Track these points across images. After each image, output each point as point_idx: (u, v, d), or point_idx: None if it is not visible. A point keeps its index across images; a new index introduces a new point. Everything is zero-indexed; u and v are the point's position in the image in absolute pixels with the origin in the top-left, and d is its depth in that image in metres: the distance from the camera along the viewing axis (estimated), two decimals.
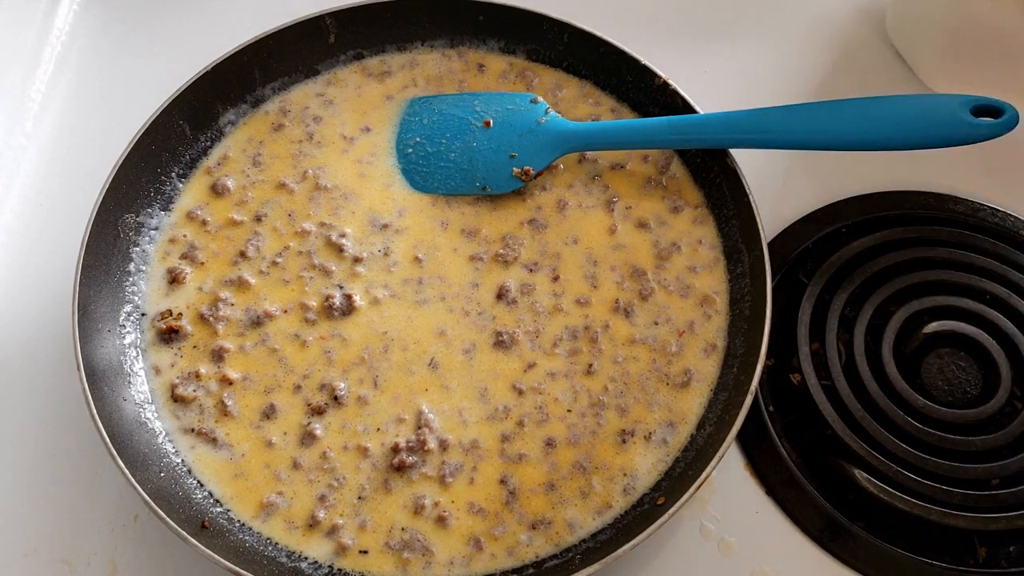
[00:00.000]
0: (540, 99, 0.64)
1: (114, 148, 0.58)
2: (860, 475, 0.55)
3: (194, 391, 0.55)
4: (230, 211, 0.61)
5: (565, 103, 0.66)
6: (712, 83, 0.72)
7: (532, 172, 0.62)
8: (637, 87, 0.64)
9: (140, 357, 0.57)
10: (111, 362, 0.55)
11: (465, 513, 0.52)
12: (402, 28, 0.67)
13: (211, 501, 0.52)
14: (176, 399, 0.55)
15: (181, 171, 0.62)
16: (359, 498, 0.52)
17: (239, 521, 0.52)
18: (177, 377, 0.56)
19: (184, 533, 0.47)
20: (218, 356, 0.56)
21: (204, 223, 0.61)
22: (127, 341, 0.56)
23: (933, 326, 0.59)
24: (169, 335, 0.57)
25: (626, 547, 0.47)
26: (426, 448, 0.53)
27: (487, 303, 0.58)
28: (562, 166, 0.63)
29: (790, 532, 0.55)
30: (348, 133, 0.65)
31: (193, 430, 0.54)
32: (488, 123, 0.64)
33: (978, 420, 0.56)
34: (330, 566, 0.51)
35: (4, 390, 0.60)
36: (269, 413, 0.55)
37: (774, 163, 0.67)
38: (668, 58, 0.64)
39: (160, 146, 0.61)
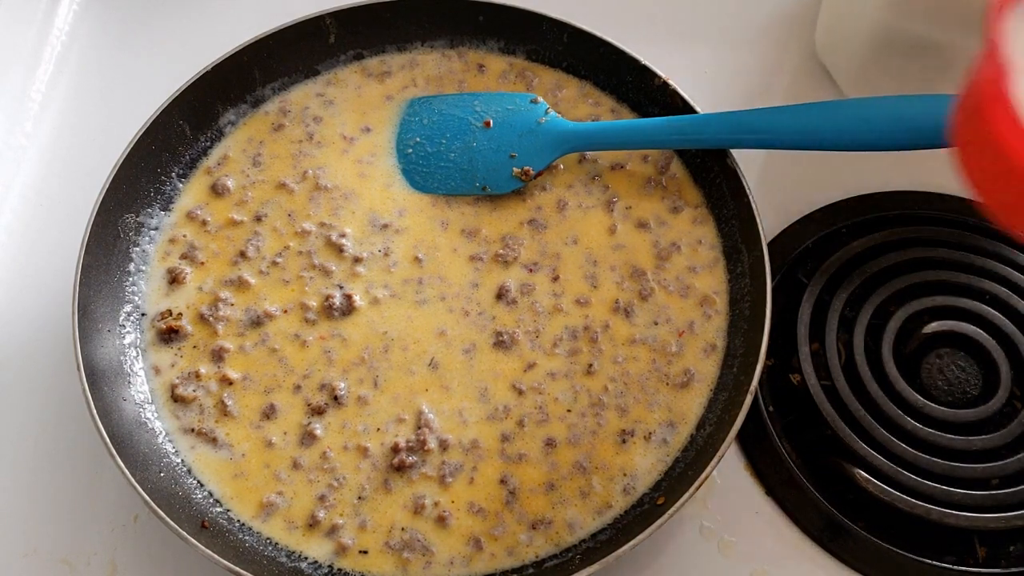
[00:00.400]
0: (540, 99, 0.64)
1: (114, 148, 0.58)
2: (860, 475, 0.55)
3: (194, 391, 0.55)
4: (230, 211, 0.61)
5: (565, 103, 0.66)
6: (712, 83, 0.72)
7: (532, 172, 0.62)
8: (637, 87, 0.64)
9: (140, 357, 0.57)
10: (111, 362, 0.55)
11: (465, 513, 0.52)
12: (402, 28, 0.67)
13: (211, 501, 0.52)
14: (176, 399, 0.55)
15: (181, 171, 0.62)
16: (359, 498, 0.52)
17: (239, 521, 0.52)
18: (177, 377, 0.56)
19: (184, 533, 0.47)
20: (218, 356, 0.56)
21: (204, 223, 0.61)
22: (127, 341, 0.57)
23: (933, 326, 0.59)
24: (169, 335, 0.57)
25: (626, 547, 0.47)
26: (426, 448, 0.53)
27: (487, 303, 0.58)
28: (562, 166, 0.63)
29: (790, 532, 0.55)
30: (348, 133, 0.65)
31: (193, 430, 0.54)
32: (488, 123, 0.64)
33: (978, 420, 0.56)
34: (330, 566, 0.51)
35: (4, 390, 0.60)
36: (269, 413, 0.55)
37: (774, 163, 0.67)
38: (668, 58, 0.64)
39: (160, 146, 0.61)
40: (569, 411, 0.55)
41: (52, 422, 0.58)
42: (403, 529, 0.51)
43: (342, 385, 0.55)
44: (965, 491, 0.54)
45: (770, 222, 0.59)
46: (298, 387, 0.55)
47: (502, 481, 0.53)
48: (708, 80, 0.72)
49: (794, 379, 0.58)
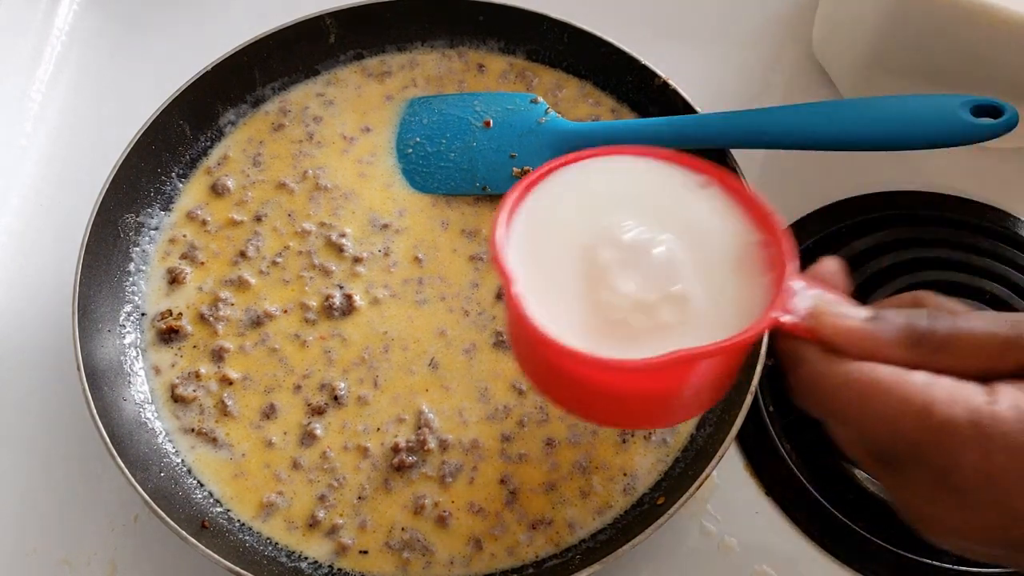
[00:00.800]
0: (540, 99, 0.64)
1: (114, 148, 0.58)
2: (860, 475, 0.55)
3: (194, 391, 0.55)
4: (230, 211, 0.61)
5: (565, 103, 0.66)
6: (712, 83, 0.72)
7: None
8: (637, 87, 0.64)
9: (140, 357, 0.56)
10: (111, 362, 0.55)
11: (465, 513, 0.52)
12: (402, 28, 0.67)
13: (211, 501, 0.52)
14: (176, 399, 0.55)
15: (181, 171, 0.62)
16: (359, 498, 0.52)
17: (239, 521, 0.52)
18: (177, 377, 0.56)
19: (184, 533, 0.47)
20: (218, 356, 0.56)
21: (204, 223, 0.61)
22: (127, 341, 0.56)
23: None
24: (169, 335, 0.57)
25: (626, 547, 0.47)
26: (426, 448, 0.53)
27: (487, 303, 0.58)
28: None
29: (790, 532, 0.55)
30: (348, 133, 0.65)
31: (193, 430, 0.54)
32: (488, 123, 0.64)
33: None
34: (330, 566, 0.51)
35: (4, 390, 0.60)
36: (269, 413, 0.55)
37: (774, 163, 0.67)
38: (668, 58, 0.64)
39: (160, 146, 0.61)
40: None
41: (52, 422, 0.58)
42: (403, 529, 0.51)
43: (342, 385, 0.55)
44: None
45: None
46: (298, 387, 0.55)
47: (502, 481, 0.53)
48: (708, 80, 0.72)
49: None
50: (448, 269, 0.59)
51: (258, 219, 0.61)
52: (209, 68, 0.62)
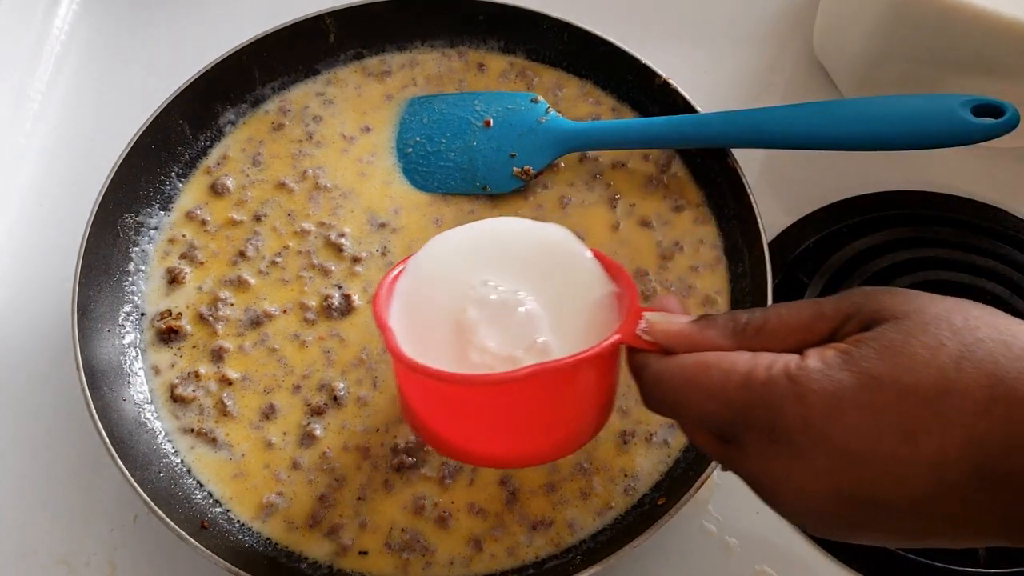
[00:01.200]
0: (540, 98, 0.64)
1: (114, 148, 0.58)
2: None
3: (193, 391, 0.55)
4: (230, 211, 0.61)
5: (566, 102, 0.66)
6: (712, 83, 0.72)
7: (532, 172, 0.61)
8: (637, 87, 0.64)
9: (140, 357, 0.56)
10: (111, 362, 0.55)
11: (465, 514, 0.52)
12: (402, 28, 0.67)
13: (211, 501, 0.52)
14: (175, 399, 0.55)
15: (181, 171, 0.62)
16: (359, 498, 0.52)
17: (239, 521, 0.52)
18: (177, 377, 0.56)
19: (184, 533, 0.47)
20: (218, 356, 0.56)
21: (204, 223, 0.61)
22: (127, 341, 0.56)
23: None
24: (168, 335, 0.57)
25: (627, 547, 0.47)
26: (425, 448, 0.53)
27: None
28: (563, 164, 0.63)
29: (790, 532, 0.55)
30: (348, 132, 0.65)
31: (193, 430, 0.54)
32: (488, 123, 0.64)
33: None
34: (330, 566, 0.51)
35: (3, 390, 0.60)
36: (269, 413, 0.55)
37: (774, 163, 0.67)
38: (668, 58, 0.64)
39: (160, 146, 0.61)
40: None
41: (51, 422, 0.58)
42: (403, 530, 0.51)
43: (341, 385, 0.55)
44: None
45: (770, 222, 0.59)
46: (297, 387, 0.55)
47: (502, 482, 0.52)
48: (708, 79, 0.72)
49: None
50: None
51: (257, 219, 0.61)
52: (209, 68, 0.62)
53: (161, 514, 0.48)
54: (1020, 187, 0.67)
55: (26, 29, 0.72)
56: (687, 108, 0.61)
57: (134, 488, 0.48)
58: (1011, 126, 0.52)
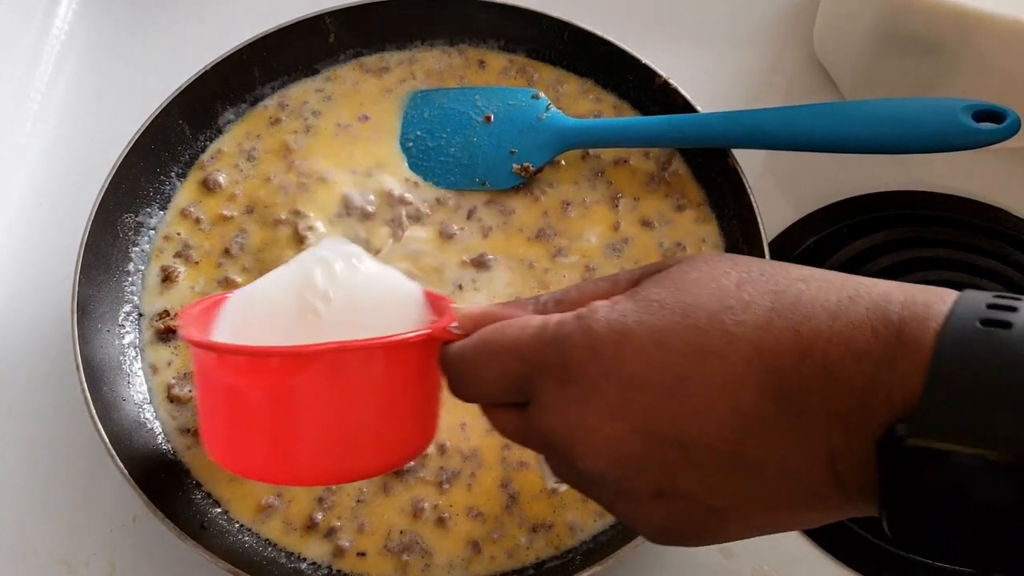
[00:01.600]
0: (541, 95, 0.64)
1: (114, 148, 0.58)
2: None
3: (190, 391, 0.55)
4: (221, 207, 0.61)
5: (567, 99, 0.65)
6: (712, 83, 0.72)
7: (531, 168, 0.61)
8: (637, 86, 0.64)
9: (139, 357, 0.56)
10: (110, 362, 0.55)
11: (464, 517, 0.52)
12: (402, 27, 0.67)
13: (210, 502, 0.52)
14: (172, 399, 0.55)
15: (180, 170, 0.62)
16: (357, 501, 0.52)
17: (238, 522, 0.52)
18: (173, 377, 0.56)
19: (183, 533, 0.47)
20: None
21: (197, 221, 0.61)
22: (126, 341, 0.56)
23: None
24: (167, 335, 0.57)
25: (627, 548, 0.47)
26: (424, 452, 0.53)
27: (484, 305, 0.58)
28: (564, 162, 0.63)
29: (790, 532, 0.55)
30: (344, 121, 0.64)
31: (189, 430, 0.54)
32: (488, 118, 0.63)
33: None
34: (328, 567, 0.51)
35: (3, 389, 0.60)
36: None
37: (774, 163, 0.67)
38: (668, 58, 0.64)
39: (159, 145, 0.61)
40: None
41: (51, 422, 0.58)
42: (402, 532, 0.51)
43: None
44: None
45: (771, 222, 0.59)
46: None
47: (502, 486, 0.52)
48: (709, 79, 0.72)
49: None
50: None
51: (248, 212, 0.61)
52: (209, 67, 0.62)
53: (160, 514, 0.48)
54: (1020, 187, 0.67)
55: (26, 29, 0.72)
56: (687, 108, 0.61)
57: (134, 488, 0.48)
58: (1011, 131, 0.52)
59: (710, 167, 0.61)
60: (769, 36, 0.76)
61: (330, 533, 0.51)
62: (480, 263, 0.59)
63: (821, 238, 0.64)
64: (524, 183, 0.62)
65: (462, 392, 0.39)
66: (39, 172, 0.68)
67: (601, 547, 0.50)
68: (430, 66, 0.67)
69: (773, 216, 0.64)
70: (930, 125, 0.53)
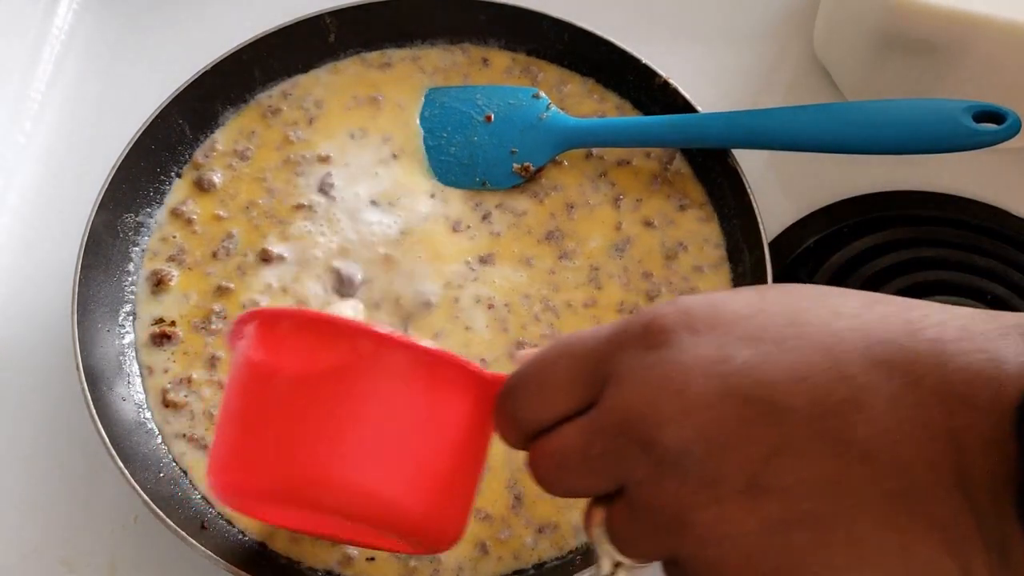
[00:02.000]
0: (542, 94, 0.64)
1: (114, 148, 0.58)
2: None
3: (185, 396, 0.55)
4: (215, 208, 0.61)
5: (571, 99, 0.65)
6: (712, 83, 0.72)
7: (532, 168, 0.61)
8: (638, 86, 0.64)
9: (137, 357, 0.56)
10: (110, 362, 0.55)
11: (472, 520, 0.51)
12: (402, 27, 0.67)
13: (210, 502, 0.52)
14: (167, 404, 0.55)
15: (180, 171, 0.62)
16: None
17: (242, 532, 0.51)
18: (169, 383, 0.55)
19: (184, 534, 0.47)
20: (211, 364, 0.56)
21: (190, 221, 0.60)
22: (126, 341, 0.56)
23: None
24: (161, 340, 0.56)
25: None
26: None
27: None
28: (567, 162, 0.63)
29: None
30: (350, 104, 0.64)
31: (185, 435, 0.54)
32: (489, 118, 0.63)
33: None
34: (328, 572, 0.50)
35: (3, 389, 0.60)
36: None
37: (775, 163, 0.67)
38: (668, 58, 0.64)
39: (159, 145, 0.60)
40: None
41: (51, 422, 0.58)
42: None
43: None
44: None
45: (771, 222, 0.59)
46: None
47: (508, 487, 0.52)
48: (709, 79, 0.72)
49: None
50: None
51: (245, 209, 0.61)
52: (209, 67, 0.62)
53: (161, 515, 0.48)
54: (1021, 188, 0.67)
55: (26, 29, 0.72)
56: (687, 108, 0.61)
57: (134, 488, 0.48)
58: (1012, 133, 0.52)
59: (711, 167, 0.61)
60: (769, 36, 0.76)
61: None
62: (485, 261, 0.59)
63: (821, 238, 0.64)
64: (525, 183, 0.62)
65: (523, 406, 0.34)
66: (39, 172, 0.68)
67: None
68: (435, 63, 0.67)
69: (773, 216, 0.64)
70: (931, 126, 0.53)
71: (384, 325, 0.37)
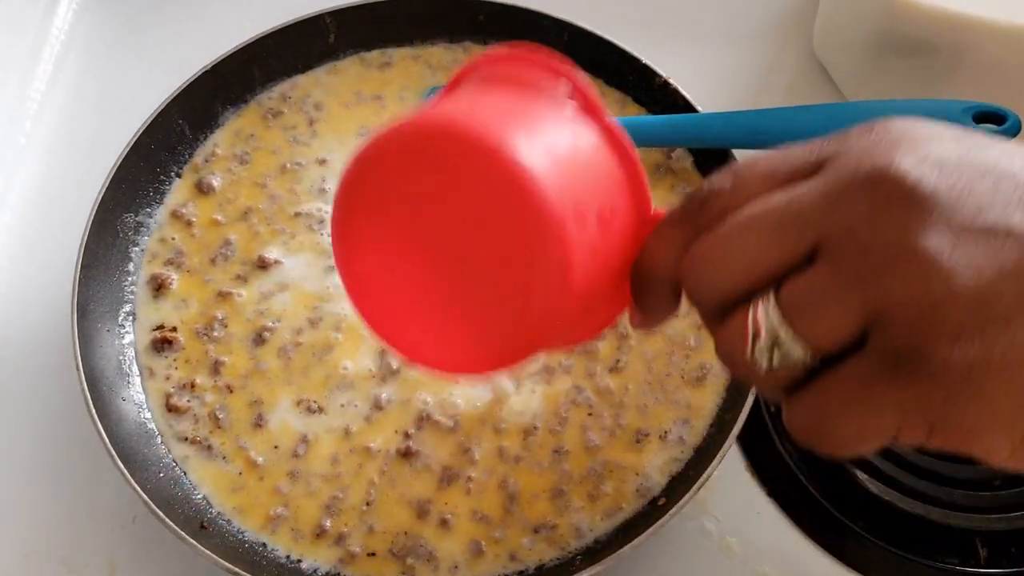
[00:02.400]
0: None
1: (113, 148, 0.58)
2: (861, 475, 0.55)
3: (188, 401, 0.55)
4: (214, 212, 0.61)
5: None
6: (712, 83, 0.72)
7: None
8: (638, 86, 0.64)
9: (137, 359, 0.56)
10: (110, 362, 0.55)
11: (468, 521, 0.51)
12: (402, 27, 0.67)
13: (210, 502, 0.52)
14: (170, 409, 0.54)
15: (180, 171, 0.62)
16: (366, 504, 0.52)
17: (242, 531, 0.51)
18: (172, 388, 0.55)
19: (183, 534, 0.47)
20: (214, 370, 0.56)
21: (189, 223, 0.60)
22: (126, 341, 0.56)
23: None
24: (163, 345, 0.56)
25: (627, 548, 0.47)
26: (422, 462, 0.53)
27: None
28: None
29: (791, 533, 0.55)
30: (348, 101, 0.64)
31: (187, 439, 0.54)
32: None
33: None
34: (327, 573, 0.50)
35: (2, 390, 0.60)
36: (265, 423, 0.54)
37: None
38: (668, 57, 0.64)
39: (159, 145, 0.60)
40: (590, 415, 0.54)
41: (51, 422, 0.58)
42: (406, 534, 0.51)
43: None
44: (966, 492, 0.54)
45: None
46: (297, 400, 0.55)
47: (501, 485, 0.52)
48: (708, 79, 0.72)
49: None
50: None
51: (244, 215, 0.61)
52: (209, 67, 0.62)
53: (160, 515, 0.48)
54: None
55: (26, 29, 0.72)
56: (687, 108, 0.61)
57: (134, 488, 0.48)
58: (1012, 133, 0.52)
59: (711, 166, 0.61)
60: (769, 36, 0.76)
61: (339, 539, 0.51)
62: None
63: None
64: None
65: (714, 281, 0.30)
66: (39, 172, 0.68)
67: (601, 547, 0.50)
68: (437, 60, 0.67)
69: None
70: None
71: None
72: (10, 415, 0.59)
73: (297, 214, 0.60)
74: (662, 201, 0.60)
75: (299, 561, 0.51)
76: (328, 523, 0.51)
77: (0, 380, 0.60)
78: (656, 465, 0.53)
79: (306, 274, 0.58)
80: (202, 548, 0.47)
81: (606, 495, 0.52)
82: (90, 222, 0.56)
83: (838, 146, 0.30)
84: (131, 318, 0.57)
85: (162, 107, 0.60)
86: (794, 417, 0.29)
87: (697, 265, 0.30)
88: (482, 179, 0.30)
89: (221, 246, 0.59)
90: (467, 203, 0.31)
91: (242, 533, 0.51)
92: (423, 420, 0.54)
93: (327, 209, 0.60)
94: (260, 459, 0.53)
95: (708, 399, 0.55)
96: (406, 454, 0.53)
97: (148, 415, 0.54)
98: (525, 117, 0.33)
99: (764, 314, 0.28)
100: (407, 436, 0.53)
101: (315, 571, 0.50)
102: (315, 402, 0.54)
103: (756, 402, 0.56)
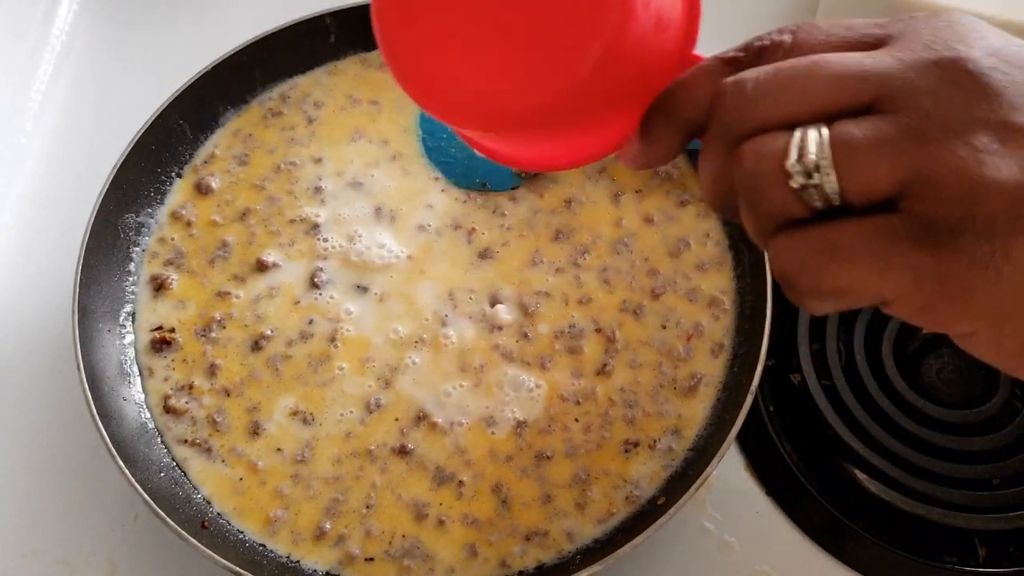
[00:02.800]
0: None
1: (114, 148, 0.58)
2: (861, 475, 0.55)
3: (187, 403, 0.55)
4: (212, 213, 0.61)
5: None
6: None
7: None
8: None
9: (138, 359, 0.56)
10: (111, 362, 0.55)
11: (460, 524, 0.51)
12: None
13: (210, 502, 0.52)
14: (168, 410, 0.55)
15: (180, 171, 0.62)
16: (367, 507, 0.52)
17: (243, 532, 0.51)
18: (170, 389, 0.55)
19: (184, 533, 0.47)
20: (211, 372, 0.56)
21: (188, 224, 0.60)
22: (127, 341, 0.56)
23: None
24: (161, 345, 0.56)
25: (626, 547, 0.47)
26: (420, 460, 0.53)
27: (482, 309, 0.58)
28: None
29: (790, 532, 0.55)
30: (345, 105, 0.64)
31: (187, 441, 0.54)
32: None
33: (978, 420, 0.56)
34: (328, 572, 0.51)
35: (3, 390, 0.60)
36: (262, 427, 0.54)
37: None
38: None
39: (160, 146, 0.61)
40: (577, 420, 0.54)
41: (52, 422, 0.58)
42: (403, 536, 0.51)
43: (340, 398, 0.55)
44: (966, 492, 0.54)
45: None
46: (296, 402, 0.55)
47: (495, 490, 0.52)
48: None
49: (794, 379, 0.58)
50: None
51: (242, 216, 0.61)
52: (209, 68, 0.62)
53: (161, 514, 0.48)
54: None
55: (26, 29, 0.72)
56: None
57: (134, 488, 0.48)
58: None
59: None
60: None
61: (339, 541, 0.51)
62: (488, 256, 0.59)
63: None
64: (526, 183, 0.62)
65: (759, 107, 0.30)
66: (39, 172, 0.68)
67: (601, 547, 0.50)
68: None
69: None
70: None
71: None
72: (11, 415, 0.59)
73: (292, 221, 0.60)
74: (657, 208, 0.61)
75: (299, 561, 0.51)
76: (328, 525, 0.51)
77: (1, 380, 0.60)
78: (643, 472, 0.53)
79: (303, 278, 0.58)
80: (202, 547, 0.47)
81: (596, 501, 0.52)
82: (91, 222, 0.56)
83: (905, 26, 0.30)
84: (132, 318, 0.57)
85: (163, 108, 0.60)
86: (791, 252, 0.29)
87: (748, 87, 0.30)
88: None
89: (219, 247, 0.59)
90: None
91: (242, 533, 0.51)
92: (420, 419, 0.54)
93: (323, 213, 0.61)
94: (261, 463, 0.53)
95: (699, 407, 0.54)
96: (402, 452, 0.53)
97: (148, 415, 0.54)
98: None
99: (813, 140, 0.28)
100: (403, 434, 0.53)
101: (314, 572, 0.50)
102: (313, 405, 0.54)
103: (755, 402, 0.56)
